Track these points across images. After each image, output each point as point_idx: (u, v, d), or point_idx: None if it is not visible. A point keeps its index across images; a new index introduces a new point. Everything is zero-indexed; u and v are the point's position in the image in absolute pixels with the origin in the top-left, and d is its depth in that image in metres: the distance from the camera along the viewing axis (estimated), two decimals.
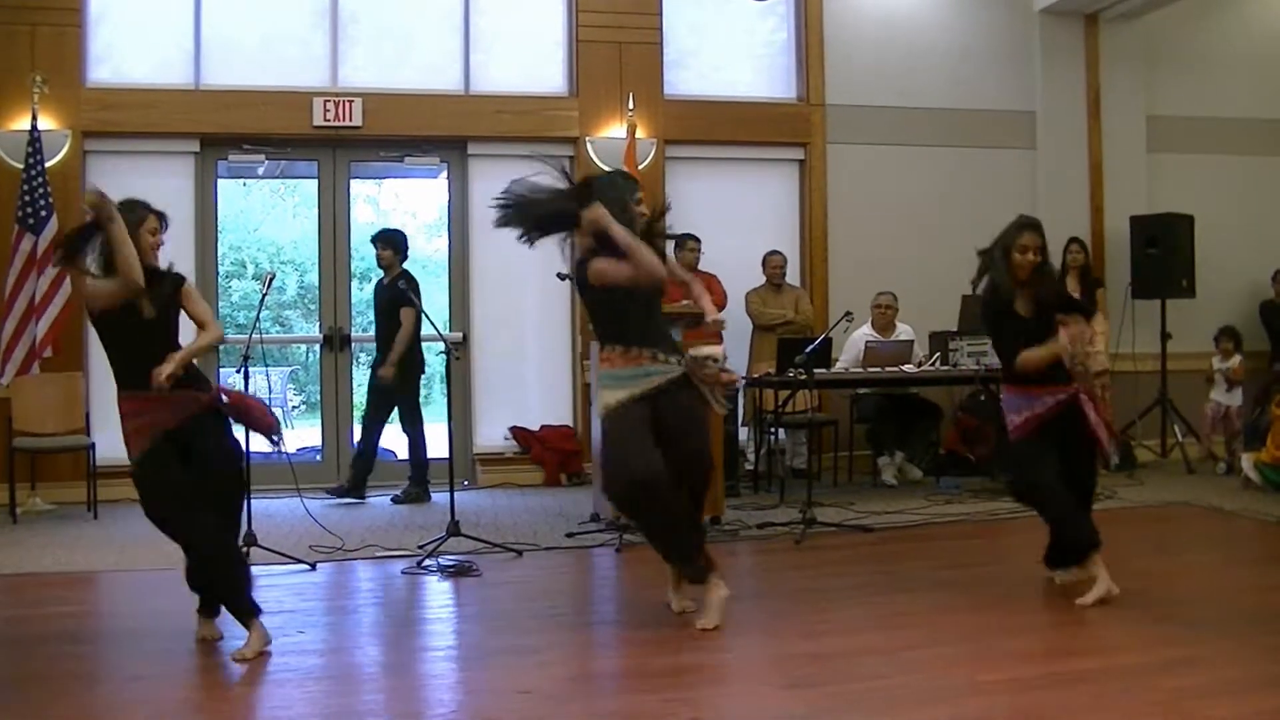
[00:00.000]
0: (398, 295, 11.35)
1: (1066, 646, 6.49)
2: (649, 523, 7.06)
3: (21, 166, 11.72)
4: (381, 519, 11.07)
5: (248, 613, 6.55)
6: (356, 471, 12.26)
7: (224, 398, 6.75)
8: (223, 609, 6.71)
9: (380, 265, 12.27)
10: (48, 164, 11.81)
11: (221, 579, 6.61)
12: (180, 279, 6.78)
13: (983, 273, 7.68)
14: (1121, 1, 14.25)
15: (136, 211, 6.65)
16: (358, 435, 12.57)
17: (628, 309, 6.94)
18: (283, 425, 7.17)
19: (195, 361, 6.76)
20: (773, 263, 13.26)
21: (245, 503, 6.98)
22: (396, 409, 12.28)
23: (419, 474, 12.22)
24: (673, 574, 7.28)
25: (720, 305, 12.27)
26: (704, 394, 7.07)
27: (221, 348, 12.94)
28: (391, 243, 12.20)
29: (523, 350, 13.46)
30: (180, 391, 6.48)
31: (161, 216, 6.81)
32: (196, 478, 6.52)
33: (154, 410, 6.44)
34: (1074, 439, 7.53)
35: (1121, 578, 7.57)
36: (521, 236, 7.19)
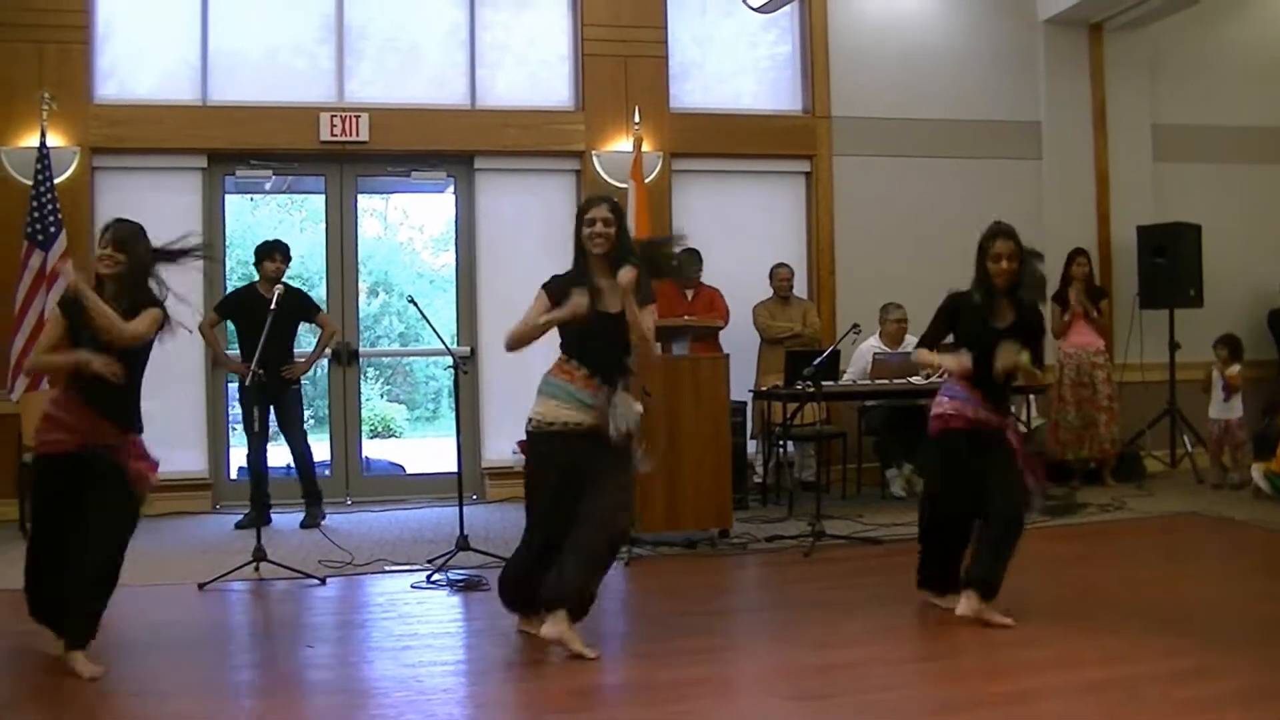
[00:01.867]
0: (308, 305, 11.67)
1: (1074, 657, 6.48)
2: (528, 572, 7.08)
3: (30, 183, 11.73)
4: (391, 534, 11.07)
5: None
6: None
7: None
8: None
9: (277, 276, 11.79)
10: (56, 180, 11.80)
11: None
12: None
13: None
14: (1126, 11, 14.25)
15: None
16: (367, 450, 12.51)
17: (593, 336, 6.97)
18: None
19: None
20: (780, 275, 13.26)
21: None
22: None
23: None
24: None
25: (723, 319, 12.31)
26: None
27: None
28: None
29: (531, 364, 13.32)
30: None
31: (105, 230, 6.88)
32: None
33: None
34: (993, 464, 7.42)
35: (1132, 587, 7.59)
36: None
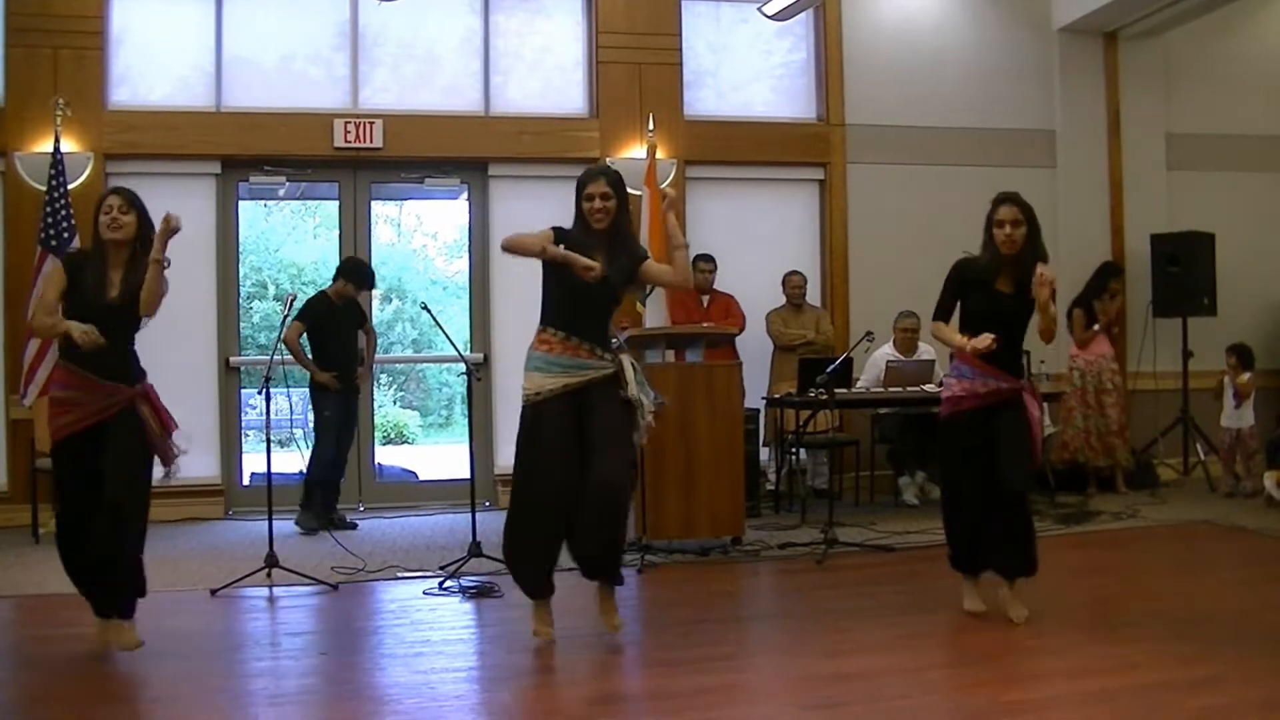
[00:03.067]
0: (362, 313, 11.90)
1: (1089, 665, 6.47)
2: (518, 536, 7.17)
3: (45, 189, 11.76)
4: (403, 540, 11.08)
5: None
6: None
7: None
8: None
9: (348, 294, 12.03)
10: (70, 186, 11.83)
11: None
12: None
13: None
14: (1140, 20, 14.25)
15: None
16: (380, 456, 12.53)
17: (580, 301, 7.02)
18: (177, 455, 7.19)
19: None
20: (792, 283, 13.26)
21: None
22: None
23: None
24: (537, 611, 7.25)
25: (739, 327, 12.33)
26: (632, 411, 7.13)
27: (242, 369, 12.97)
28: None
29: None
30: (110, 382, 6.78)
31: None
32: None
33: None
34: (1007, 434, 7.45)
35: (1145, 595, 7.57)
36: None
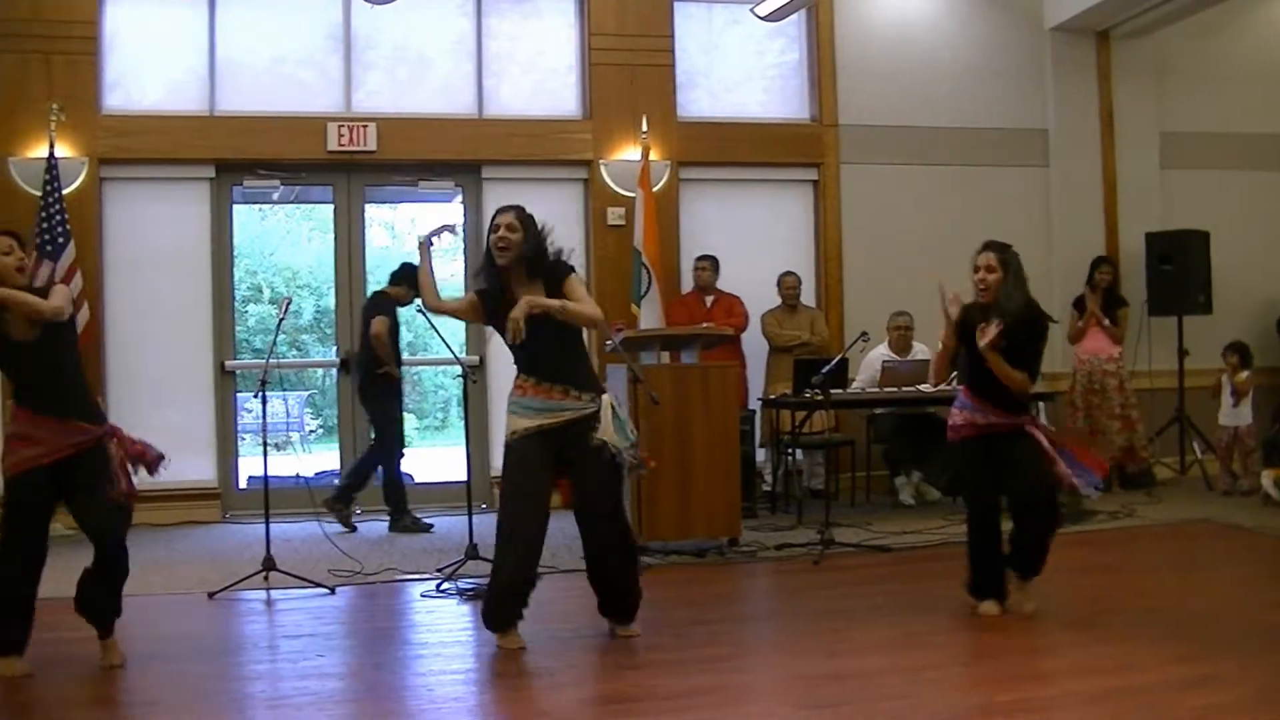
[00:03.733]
0: None
1: (1086, 665, 6.47)
2: (501, 568, 7.16)
3: (39, 194, 11.76)
4: (400, 543, 11.08)
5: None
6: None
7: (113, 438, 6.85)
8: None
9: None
10: (65, 191, 11.83)
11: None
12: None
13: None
14: (1132, 18, 14.24)
15: None
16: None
17: (534, 346, 7.00)
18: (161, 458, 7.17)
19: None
20: (787, 284, 13.26)
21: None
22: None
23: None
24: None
25: (742, 326, 12.41)
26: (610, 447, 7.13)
27: (238, 372, 12.96)
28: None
29: None
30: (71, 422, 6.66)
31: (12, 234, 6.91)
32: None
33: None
34: (1015, 462, 7.60)
35: (1142, 595, 7.58)
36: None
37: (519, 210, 7.32)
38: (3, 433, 6.83)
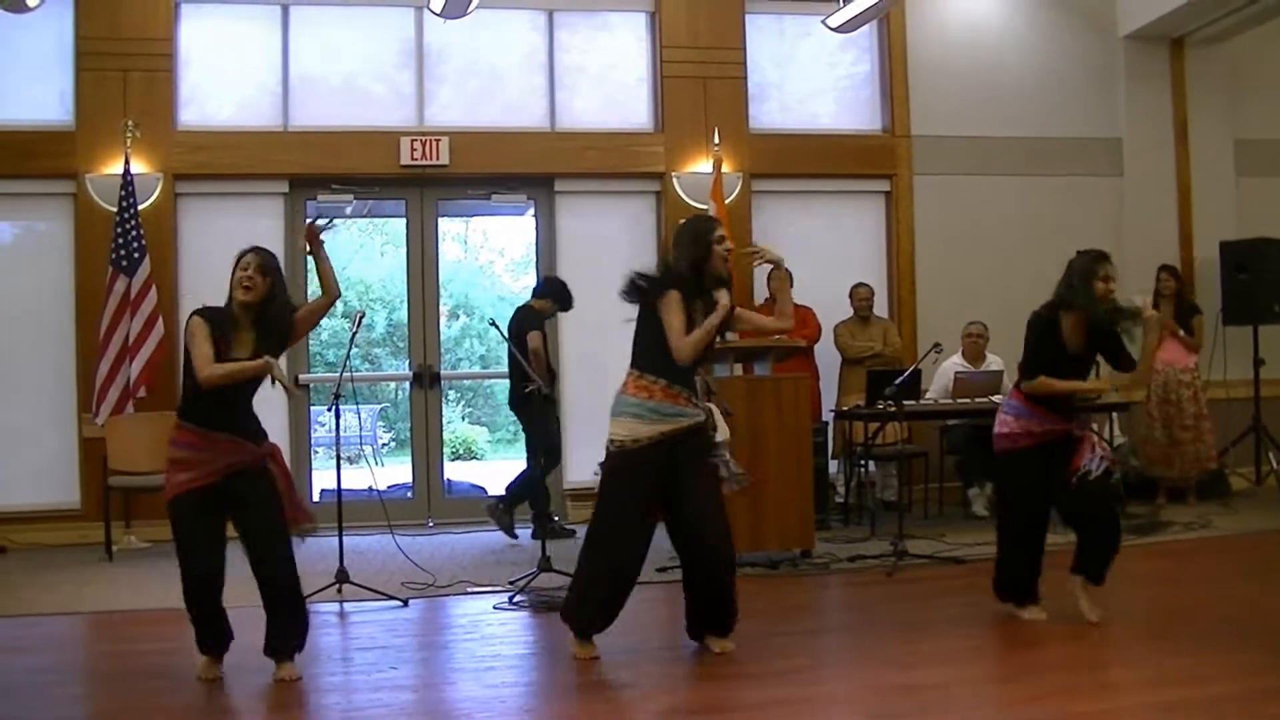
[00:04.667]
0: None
1: (1159, 677, 6.43)
2: (597, 572, 7.14)
3: (115, 210, 11.88)
4: (473, 555, 11.12)
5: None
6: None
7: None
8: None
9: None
10: (140, 207, 11.95)
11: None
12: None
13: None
14: (1207, 26, 14.13)
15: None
16: (449, 472, 12.58)
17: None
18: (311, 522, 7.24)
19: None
20: (860, 295, 13.23)
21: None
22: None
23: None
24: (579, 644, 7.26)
25: (814, 338, 12.38)
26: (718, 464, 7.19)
27: (312, 386, 13.04)
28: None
29: (612, 385, 13.32)
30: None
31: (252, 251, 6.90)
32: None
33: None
34: (1059, 469, 7.59)
35: (1216, 606, 7.51)
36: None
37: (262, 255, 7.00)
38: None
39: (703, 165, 13.40)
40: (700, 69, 13.59)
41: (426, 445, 13.38)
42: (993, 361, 12.70)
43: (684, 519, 7.07)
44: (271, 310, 6.81)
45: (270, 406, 12.61)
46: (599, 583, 7.09)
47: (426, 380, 13.30)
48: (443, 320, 13.86)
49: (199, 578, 6.65)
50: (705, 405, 7.20)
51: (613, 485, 7.09)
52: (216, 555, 6.71)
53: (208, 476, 6.61)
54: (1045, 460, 7.60)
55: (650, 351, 7.12)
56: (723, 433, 7.21)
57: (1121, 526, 7.63)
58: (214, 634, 6.81)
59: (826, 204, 14.23)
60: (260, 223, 12.64)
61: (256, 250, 6.85)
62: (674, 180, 13.47)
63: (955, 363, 12.66)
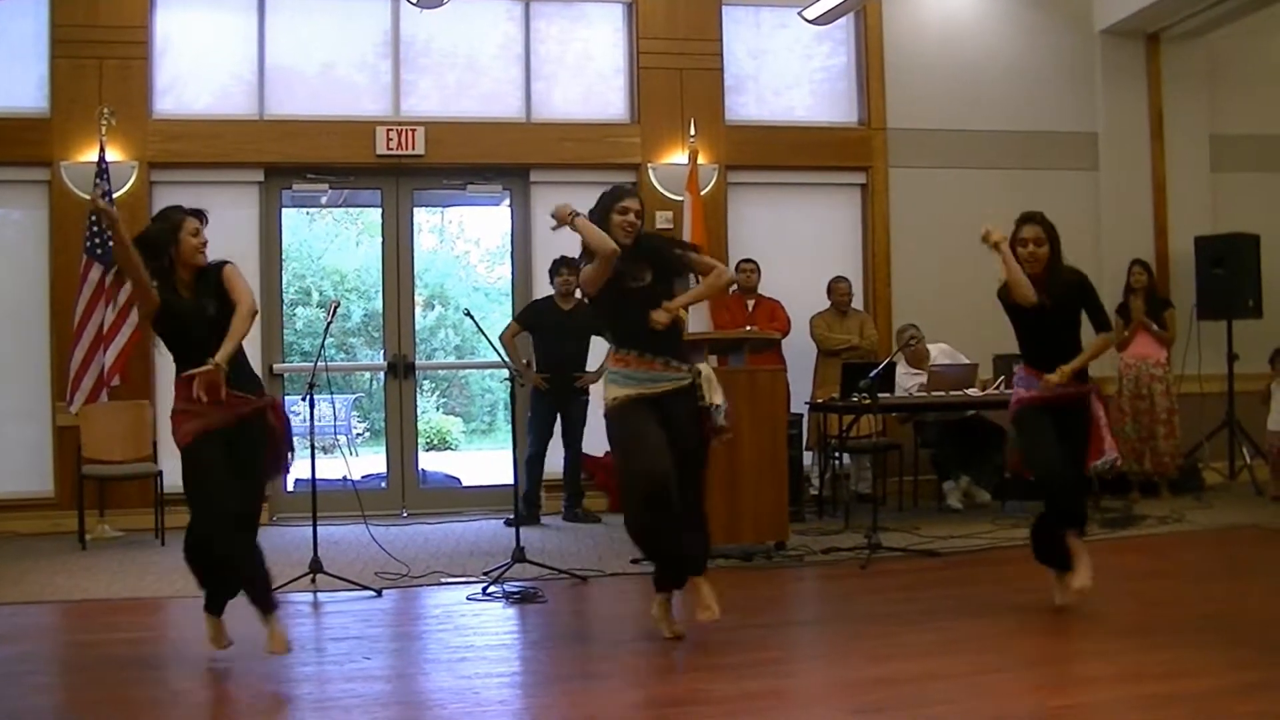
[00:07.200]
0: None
1: (1137, 671, 6.44)
2: (656, 524, 7.17)
3: (90, 197, 11.83)
4: (447, 546, 11.09)
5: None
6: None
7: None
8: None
9: (568, 290, 12.27)
10: (115, 195, 11.89)
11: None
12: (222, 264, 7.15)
13: None
14: (1183, 21, 14.16)
15: (170, 219, 6.85)
16: (423, 462, 12.58)
17: (639, 316, 7.24)
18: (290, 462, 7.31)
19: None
20: (839, 289, 13.23)
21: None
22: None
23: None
24: (660, 603, 7.38)
25: (784, 331, 12.36)
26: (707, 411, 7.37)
27: (286, 375, 13.00)
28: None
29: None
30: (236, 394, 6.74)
31: (199, 214, 7.22)
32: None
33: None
34: (1070, 431, 7.73)
35: (1193, 601, 7.54)
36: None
37: (637, 194, 7.77)
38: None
39: (679, 157, 13.40)
40: (677, 60, 13.58)
41: (401, 435, 13.35)
42: (938, 354, 12.69)
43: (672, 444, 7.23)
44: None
45: None
46: (638, 481, 7.13)
47: (401, 370, 13.26)
48: (418, 310, 13.81)
49: (219, 516, 6.63)
50: (693, 367, 7.37)
51: (618, 426, 7.29)
52: (236, 492, 6.71)
53: (219, 423, 6.65)
54: (1056, 419, 7.71)
55: (616, 328, 7.47)
56: (716, 395, 7.29)
57: (1091, 518, 7.69)
58: (221, 583, 6.87)
59: (802, 196, 14.22)
60: (235, 211, 12.61)
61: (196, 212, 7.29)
62: (650, 172, 13.46)
63: (906, 372, 12.57)
